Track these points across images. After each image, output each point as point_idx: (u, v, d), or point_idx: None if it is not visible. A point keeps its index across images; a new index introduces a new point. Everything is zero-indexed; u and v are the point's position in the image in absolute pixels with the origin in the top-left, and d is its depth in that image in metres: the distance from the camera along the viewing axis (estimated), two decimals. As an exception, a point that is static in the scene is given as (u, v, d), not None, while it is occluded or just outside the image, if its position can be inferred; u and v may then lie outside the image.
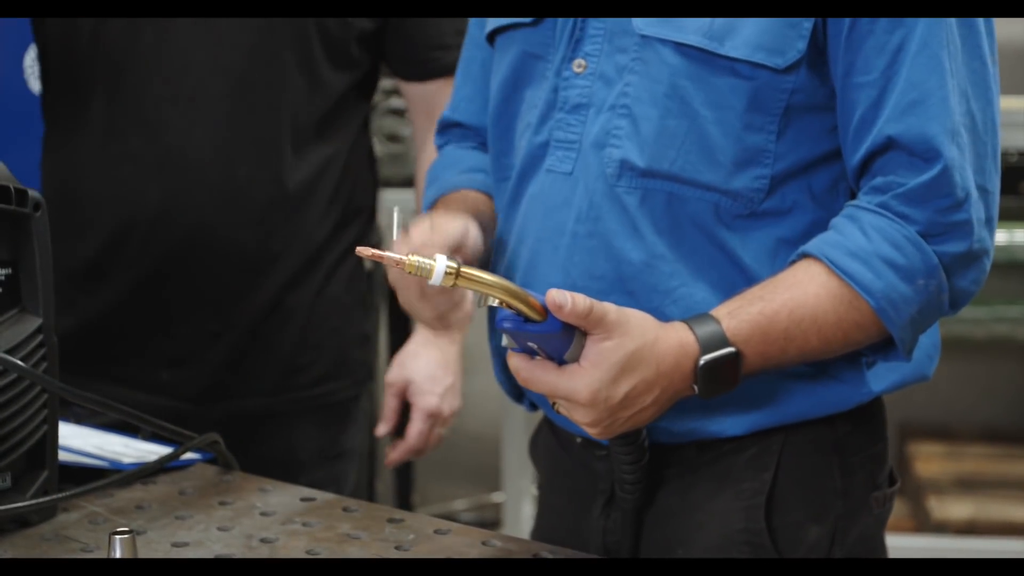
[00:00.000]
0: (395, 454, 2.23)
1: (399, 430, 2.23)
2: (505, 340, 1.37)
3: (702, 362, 1.38)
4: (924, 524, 3.35)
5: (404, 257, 1.29)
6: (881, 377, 1.51)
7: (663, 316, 1.43)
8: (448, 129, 1.73)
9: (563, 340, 1.34)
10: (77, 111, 2.10)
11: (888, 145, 1.41)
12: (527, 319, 1.32)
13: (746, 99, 1.42)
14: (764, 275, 1.45)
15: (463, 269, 1.30)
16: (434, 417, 2.19)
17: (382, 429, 2.22)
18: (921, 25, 1.39)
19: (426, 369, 2.19)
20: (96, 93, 2.08)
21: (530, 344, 1.35)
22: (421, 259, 1.29)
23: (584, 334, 1.34)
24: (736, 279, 1.45)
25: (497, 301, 1.32)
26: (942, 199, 1.39)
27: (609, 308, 1.34)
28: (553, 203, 1.50)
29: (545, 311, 1.32)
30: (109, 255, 2.10)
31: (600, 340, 1.34)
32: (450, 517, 3.59)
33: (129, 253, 2.08)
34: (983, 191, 1.42)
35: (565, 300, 1.31)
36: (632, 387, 1.35)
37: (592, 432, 1.39)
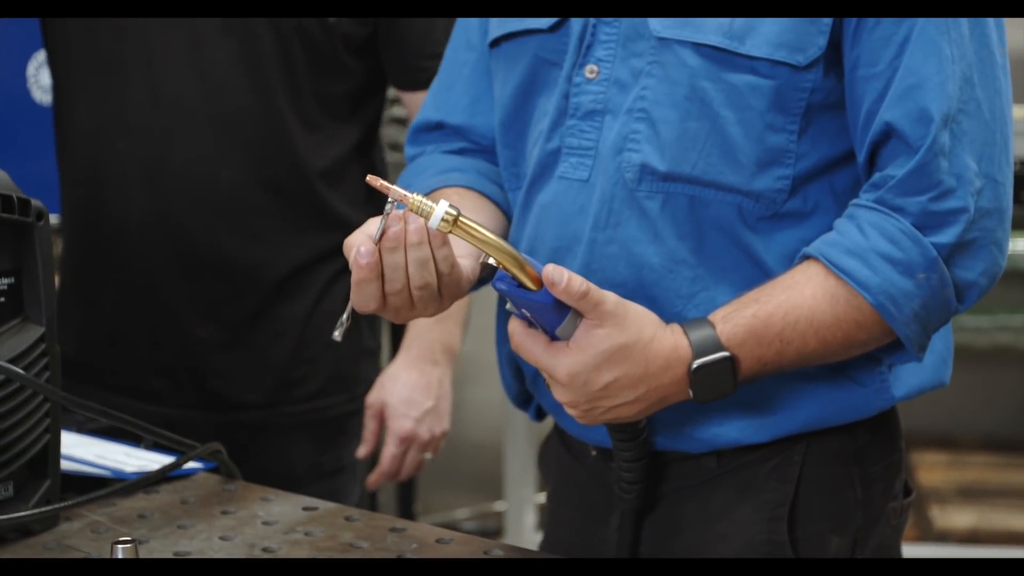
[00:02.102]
0: (372, 477, 2.23)
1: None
2: (508, 304, 1.39)
3: (694, 366, 1.38)
4: (927, 533, 3.35)
5: (408, 194, 1.30)
6: (902, 382, 1.50)
7: (683, 320, 1.43)
8: (428, 132, 1.68)
9: (555, 314, 1.35)
10: (69, 116, 2.11)
11: (887, 133, 1.40)
12: (522, 285, 1.34)
13: (767, 99, 1.42)
14: None
15: (461, 218, 1.31)
16: (408, 441, 2.16)
17: (361, 451, 2.21)
18: None
19: (403, 392, 2.15)
20: (84, 98, 2.08)
21: (523, 311, 1.37)
22: (423, 199, 1.30)
23: (579, 315, 1.35)
24: (758, 281, 1.44)
25: (494, 261, 1.33)
26: (930, 187, 1.38)
27: (608, 297, 1.35)
28: (568, 211, 1.49)
29: (540, 282, 1.33)
30: (97, 261, 2.10)
31: (592, 326, 1.35)
32: (452, 526, 3.58)
33: (115, 259, 2.08)
34: (991, 180, 1.41)
35: (561, 277, 1.32)
36: (615, 379, 1.36)
37: (572, 413, 1.41)
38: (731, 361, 1.39)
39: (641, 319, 1.38)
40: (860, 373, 1.47)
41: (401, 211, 1.33)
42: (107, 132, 2.06)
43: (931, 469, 3.61)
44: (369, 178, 1.31)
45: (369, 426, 2.18)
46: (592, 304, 1.34)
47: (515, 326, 1.39)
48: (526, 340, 1.38)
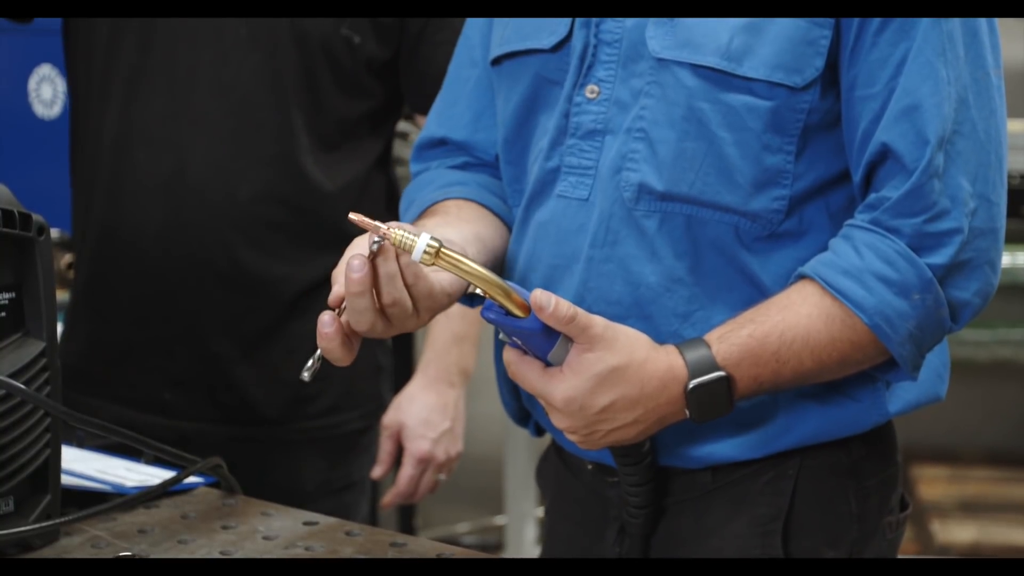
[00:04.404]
0: (387, 497, 2.23)
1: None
2: (501, 335, 1.39)
3: (691, 386, 1.39)
4: (928, 547, 3.35)
5: (388, 228, 1.30)
6: (897, 397, 1.50)
7: (680, 339, 1.43)
8: (432, 148, 1.69)
9: (544, 340, 1.35)
10: (89, 127, 2.12)
11: (884, 154, 1.41)
12: (510, 313, 1.34)
13: (764, 120, 1.42)
14: None
15: (443, 250, 1.31)
16: (425, 462, 2.18)
17: (377, 472, 2.22)
18: (919, 34, 1.39)
19: (421, 413, 2.17)
20: (105, 108, 2.09)
21: (514, 339, 1.37)
22: (405, 233, 1.30)
23: (569, 339, 1.36)
24: (754, 301, 1.44)
25: (480, 290, 1.33)
26: (925, 209, 1.39)
27: (596, 321, 1.36)
28: (567, 229, 1.50)
29: (528, 308, 1.34)
30: (112, 272, 2.10)
31: (583, 350, 1.36)
32: (453, 540, 3.58)
33: (131, 270, 2.08)
34: (984, 200, 1.41)
35: (548, 302, 1.33)
36: (611, 402, 1.37)
37: (572, 439, 1.41)
38: (727, 381, 1.39)
39: (632, 341, 1.38)
40: (855, 388, 1.48)
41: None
42: (127, 143, 2.07)
43: (932, 483, 3.61)
44: (351, 215, 1.32)
45: (385, 447, 2.19)
46: (580, 328, 1.35)
47: (510, 355, 1.40)
48: (522, 367, 1.39)
